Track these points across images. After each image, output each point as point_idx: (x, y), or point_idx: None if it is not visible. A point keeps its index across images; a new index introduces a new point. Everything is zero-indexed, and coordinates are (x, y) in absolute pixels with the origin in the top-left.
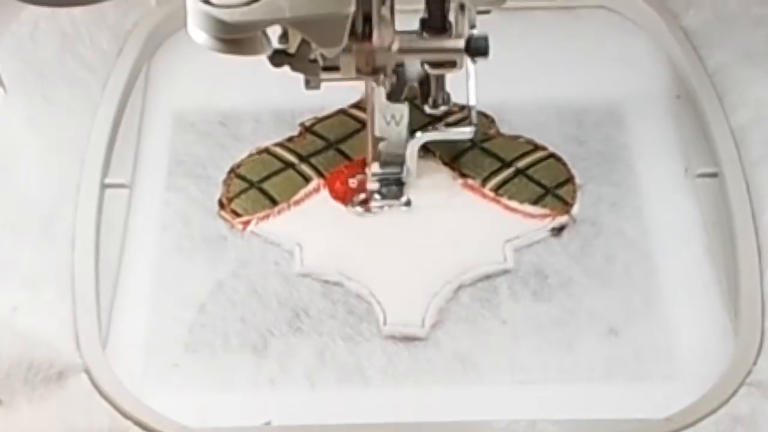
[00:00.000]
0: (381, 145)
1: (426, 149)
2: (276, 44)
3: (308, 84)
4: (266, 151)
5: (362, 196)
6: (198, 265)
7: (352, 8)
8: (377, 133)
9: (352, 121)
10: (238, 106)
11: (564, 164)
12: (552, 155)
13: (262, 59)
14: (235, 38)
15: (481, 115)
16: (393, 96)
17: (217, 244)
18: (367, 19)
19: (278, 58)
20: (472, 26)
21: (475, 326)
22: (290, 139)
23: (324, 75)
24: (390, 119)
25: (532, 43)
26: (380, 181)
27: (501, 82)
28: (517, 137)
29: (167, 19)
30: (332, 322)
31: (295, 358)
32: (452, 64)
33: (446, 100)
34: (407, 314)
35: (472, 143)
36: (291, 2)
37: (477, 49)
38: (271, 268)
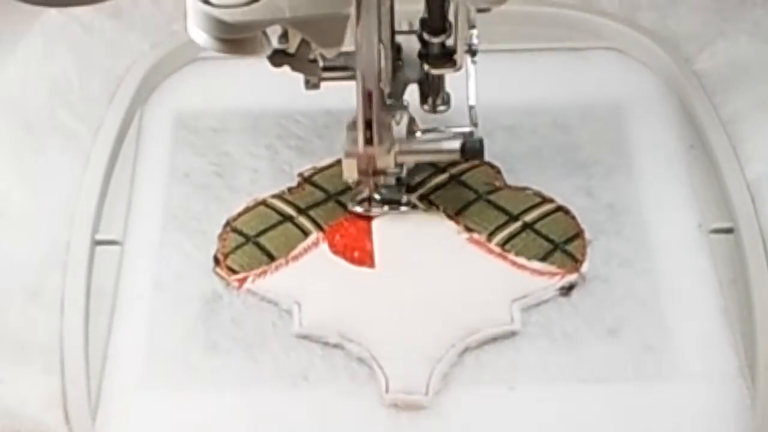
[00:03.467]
0: None
1: (430, 202)
2: (276, 44)
3: (308, 84)
4: (263, 203)
5: (363, 195)
6: (192, 327)
7: (352, 8)
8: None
9: None
10: (234, 156)
11: (573, 218)
12: (560, 208)
13: (264, 114)
14: (235, 38)
15: (488, 165)
16: (393, 96)
17: (213, 303)
18: (369, 126)
19: (278, 58)
20: (472, 26)
21: (481, 394)
22: (288, 191)
23: (323, 75)
24: (390, 119)
25: (541, 87)
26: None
27: (508, 129)
28: (524, 189)
29: (160, 64)
30: (332, 389)
31: (294, 426)
32: (452, 64)
33: (446, 100)
34: (410, 381)
35: (478, 196)
36: (291, 2)
37: (472, 150)
38: (268, 329)
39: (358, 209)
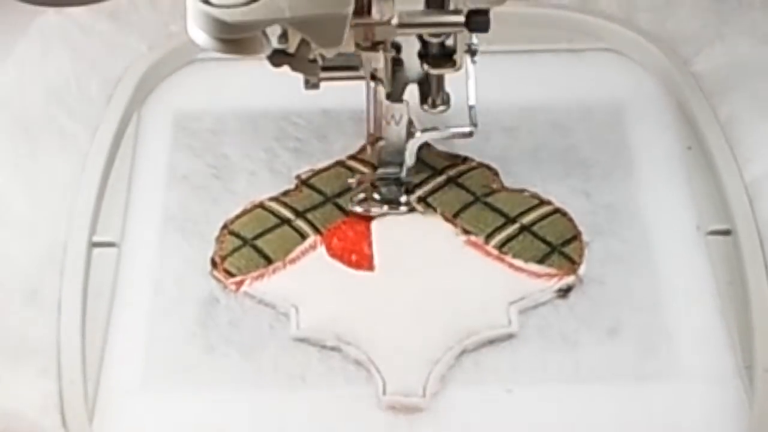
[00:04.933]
0: (380, 145)
1: (427, 204)
2: (276, 44)
3: (308, 84)
4: (261, 206)
5: (362, 195)
6: (189, 330)
7: (352, 8)
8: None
9: (350, 174)
10: (232, 158)
11: (570, 220)
12: (558, 210)
13: (260, 115)
14: (234, 38)
15: (485, 167)
16: (393, 96)
17: (210, 306)
18: None
19: (278, 58)
20: None
21: (479, 396)
22: (286, 193)
23: (324, 75)
24: (390, 119)
25: (538, 88)
26: (380, 180)
27: (505, 131)
28: (521, 191)
29: (158, 65)
30: (330, 392)
31: (291, 428)
32: (452, 64)
33: (446, 100)
34: (407, 383)
35: (476, 198)
36: (291, 2)
37: (477, 23)
38: (265, 332)
39: (358, 209)
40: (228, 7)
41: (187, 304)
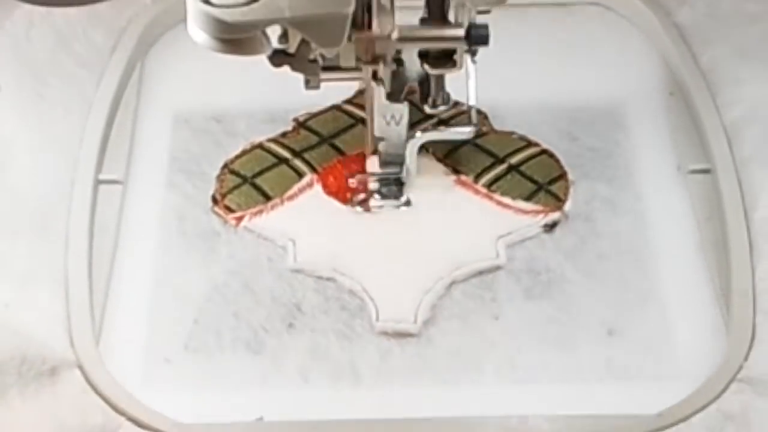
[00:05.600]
0: (380, 145)
1: (420, 146)
2: (276, 44)
3: (308, 84)
4: (260, 146)
5: (362, 195)
6: (191, 262)
7: (352, 8)
8: (377, 133)
9: (346, 117)
10: (232, 103)
11: (557, 161)
12: (545, 151)
13: (259, 57)
14: (235, 38)
15: (476, 111)
16: (393, 96)
17: (211, 240)
18: (367, 8)
19: (278, 58)
20: None
21: (468, 323)
22: (284, 135)
23: (324, 75)
24: (390, 119)
25: (525, 40)
26: (380, 181)
27: (494, 79)
28: (510, 134)
29: (162, 16)
30: (325, 319)
31: (288, 355)
32: (452, 64)
33: (446, 100)
34: (399, 310)
35: (466, 139)
36: (291, 2)
37: (477, 37)
38: (264, 264)
39: (358, 209)
40: (228, 7)
41: (189, 239)
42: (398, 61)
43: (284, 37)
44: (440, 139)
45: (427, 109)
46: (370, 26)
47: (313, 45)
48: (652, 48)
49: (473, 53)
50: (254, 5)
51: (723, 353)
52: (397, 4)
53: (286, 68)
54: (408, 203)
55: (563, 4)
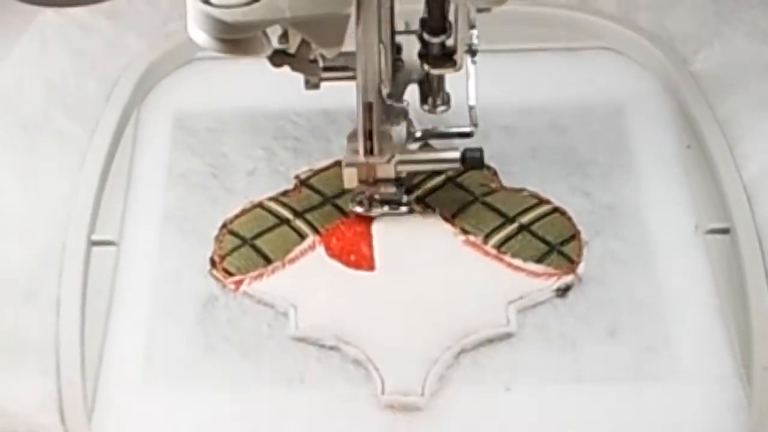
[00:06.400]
0: None
1: (426, 205)
2: (276, 44)
3: (308, 84)
4: (260, 205)
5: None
6: (188, 328)
7: (352, 8)
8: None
9: None
10: (231, 157)
11: (569, 219)
12: (557, 209)
13: (257, 112)
14: (235, 38)
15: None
16: (393, 96)
17: (209, 305)
18: (369, 137)
19: (278, 58)
20: (472, 26)
21: (478, 395)
22: (284, 193)
23: (324, 75)
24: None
25: (537, 87)
26: (380, 182)
27: (504, 130)
28: (520, 190)
29: (156, 65)
30: (328, 391)
31: (290, 428)
32: (452, 64)
33: (446, 100)
34: (406, 382)
35: (474, 198)
36: (291, 2)
37: (472, 160)
38: (264, 331)
39: (358, 209)
40: (228, 7)
41: (186, 303)
42: (398, 61)
43: (284, 37)
44: (440, 138)
45: (427, 110)
46: (372, 152)
47: (313, 45)
48: (668, 96)
49: (473, 53)
50: (254, 5)
51: (746, 428)
52: (397, 3)
53: (285, 70)
54: (409, 204)
55: (574, 49)
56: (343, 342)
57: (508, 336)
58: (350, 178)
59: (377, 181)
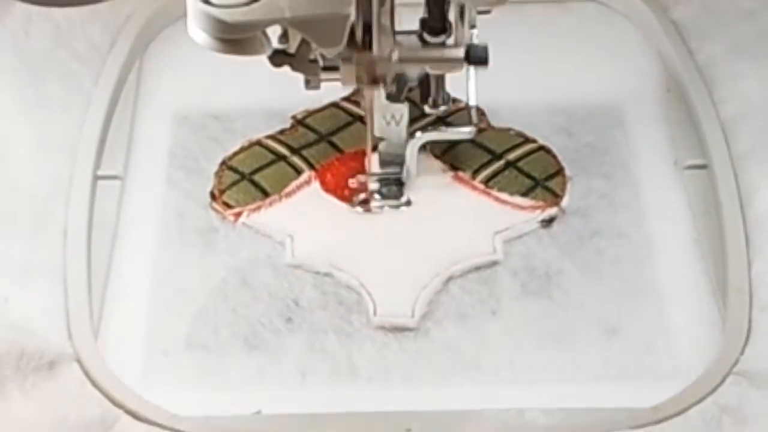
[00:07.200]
0: (381, 146)
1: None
2: (276, 44)
3: (308, 84)
4: (258, 143)
5: (362, 195)
6: (190, 257)
7: (352, 8)
8: (377, 134)
9: (344, 114)
10: (230, 100)
11: (554, 156)
12: (542, 147)
13: (259, 56)
14: (235, 38)
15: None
16: (393, 96)
17: (209, 235)
18: (367, 28)
19: (278, 58)
20: (472, 26)
21: (465, 318)
22: (282, 132)
23: (324, 75)
24: (390, 119)
25: (522, 37)
26: (380, 181)
27: (491, 76)
28: (507, 130)
29: (160, 13)
30: (323, 314)
31: (286, 350)
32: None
33: (446, 100)
34: (397, 305)
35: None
36: (291, 2)
37: (477, 57)
38: (262, 259)
39: (359, 209)
40: (228, 7)
41: (187, 235)
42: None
43: (284, 37)
44: (441, 140)
45: (427, 109)
46: (370, 47)
47: (313, 45)
48: (649, 44)
49: None
50: (254, 5)
51: (719, 348)
52: (397, 3)
53: (286, 68)
54: (408, 203)
55: (559, 1)
56: (336, 269)
57: (494, 264)
58: (348, 75)
59: (376, 80)
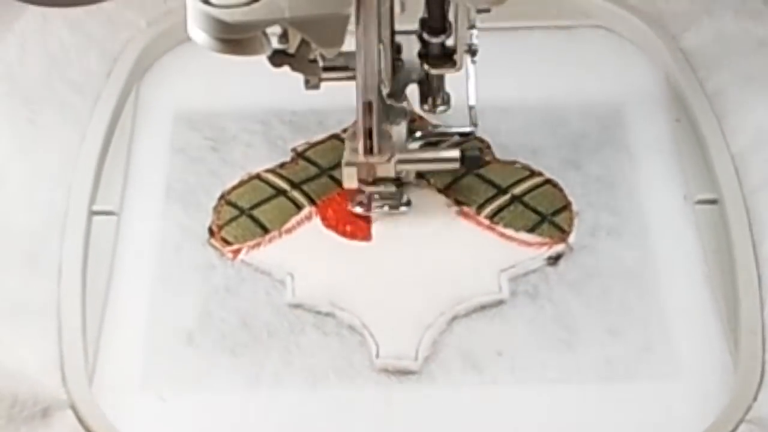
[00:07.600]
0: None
1: (420, 176)
2: (276, 44)
3: (308, 84)
4: (257, 177)
5: (361, 198)
6: (187, 295)
7: (352, 8)
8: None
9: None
10: (229, 132)
11: (561, 190)
12: (548, 181)
13: (259, 82)
14: (235, 38)
15: (477, 140)
16: (393, 96)
17: (207, 273)
18: (369, 136)
19: (278, 58)
20: (472, 26)
21: (470, 359)
22: (282, 165)
23: (324, 75)
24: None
25: (529, 64)
26: (380, 180)
27: (496, 105)
28: (512, 162)
29: (157, 40)
30: (324, 355)
31: (287, 392)
32: (452, 64)
33: (446, 100)
34: (400, 346)
35: (467, 169)
36: (291, 2)
37: (471, 160)
38: (261, 298)
39: (358, 210)
40: (228, 7)
41: (185, 271)
42: (398, 61)
43: (284, 37)
44: (441, 138)
45: (427, 110)
46: (372, 152)
47: (313, 45)
48: (658, 72)
49: (473, 53)
50: (254, 5)
51: (732, 392)
52: (396, 2)
53: (285, 70)
54: (408, 203)
55: (565, 27)
56: (338, 308)
57: (499, 303)
58: (350, 177)
59: (376, 181)
